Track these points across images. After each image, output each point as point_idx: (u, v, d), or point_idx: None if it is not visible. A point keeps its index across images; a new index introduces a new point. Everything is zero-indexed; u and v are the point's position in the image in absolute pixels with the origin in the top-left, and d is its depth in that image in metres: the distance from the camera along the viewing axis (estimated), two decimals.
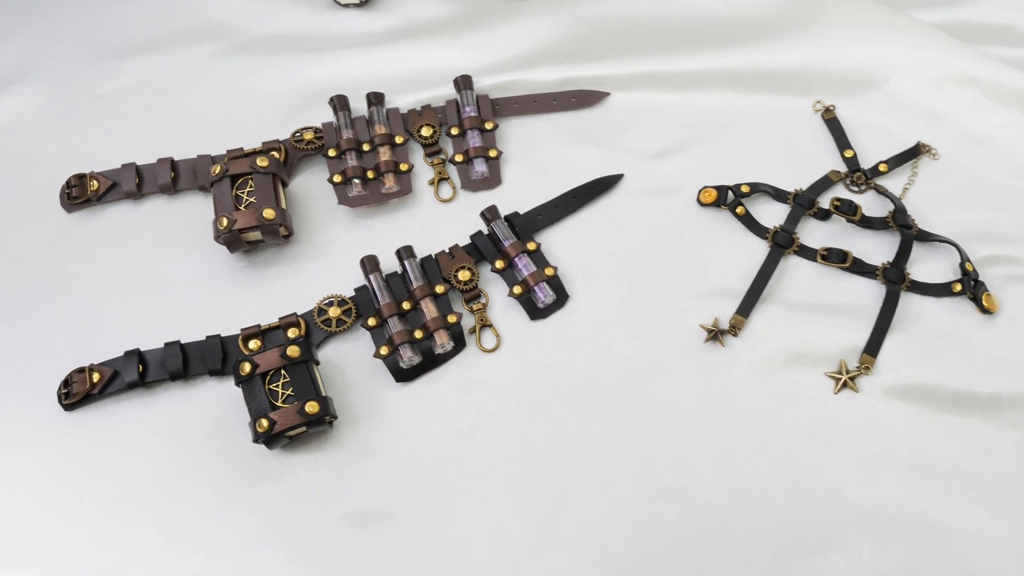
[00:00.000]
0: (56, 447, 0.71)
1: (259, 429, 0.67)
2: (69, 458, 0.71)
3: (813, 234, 0.82)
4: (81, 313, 0.78)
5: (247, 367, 0.71)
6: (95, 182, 0.83)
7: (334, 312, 0.77)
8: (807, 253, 0.81)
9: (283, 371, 0.70)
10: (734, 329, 0.76)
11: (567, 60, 0.91)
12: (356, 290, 0.78)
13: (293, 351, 0.71)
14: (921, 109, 0.88)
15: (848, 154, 0.87)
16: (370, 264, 0.80)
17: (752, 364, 0.74)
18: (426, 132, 0.87)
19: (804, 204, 0.83)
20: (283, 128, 0.88)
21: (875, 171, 0.86)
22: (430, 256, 0.80)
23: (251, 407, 0.69)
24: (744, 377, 0.73)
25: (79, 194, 0.83)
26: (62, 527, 0.68)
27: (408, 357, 0.75)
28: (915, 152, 0.87)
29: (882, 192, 0.84)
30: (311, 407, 0.69)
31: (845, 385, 0.74)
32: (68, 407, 0.73)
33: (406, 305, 0.77)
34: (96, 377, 0.73)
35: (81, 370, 0.73)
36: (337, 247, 0.81)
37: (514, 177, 0.85)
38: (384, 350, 0.75)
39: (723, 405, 0.72)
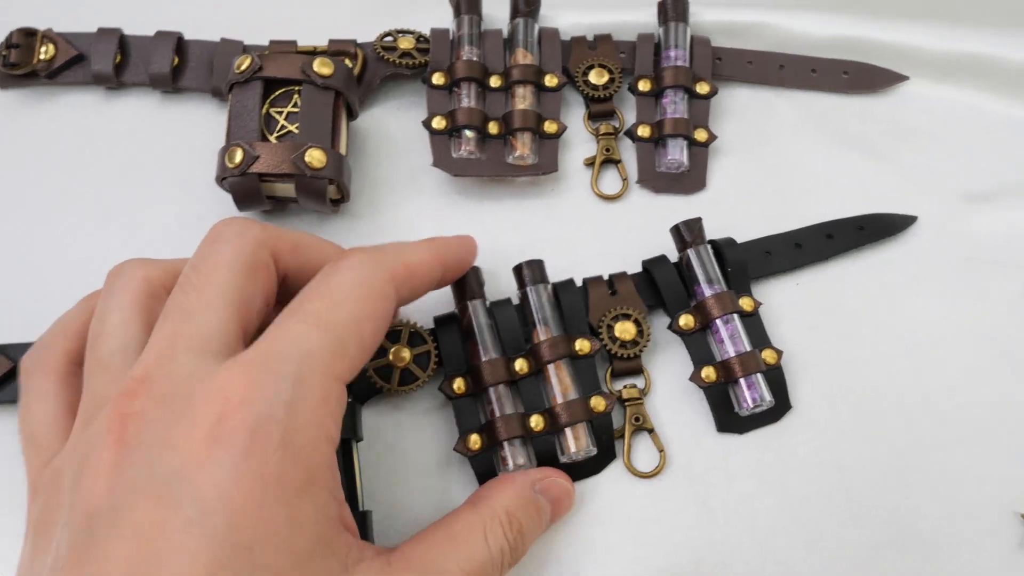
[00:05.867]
0: None
1: None
2: None
3: None
4: None
5: None
6: (50, 46, 0.56)
7: (399, 355, 0.47)
8: None
9: None
10: None
11: (848, 7, 0.61)
12: (437, 320, 0.49)
13: None
14: None
15: None
16: (470, 283, 0.48)
17: None
18: (597, 77, 0.57)
19: None
20: (366, 24, 0.58)
21: None
22: (572, 282, 0.50)
23: None
24: None
25: (20, 59, 0.56)
26: None
27: (514, 464, 0.45)
28: None
29: None
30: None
31: None
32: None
33: (520, 366, 0.47)
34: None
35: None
36: (417, 238, 0.51)
37: (727, 181, 0.56)
38: (474, 442, 0.46)
39: None
